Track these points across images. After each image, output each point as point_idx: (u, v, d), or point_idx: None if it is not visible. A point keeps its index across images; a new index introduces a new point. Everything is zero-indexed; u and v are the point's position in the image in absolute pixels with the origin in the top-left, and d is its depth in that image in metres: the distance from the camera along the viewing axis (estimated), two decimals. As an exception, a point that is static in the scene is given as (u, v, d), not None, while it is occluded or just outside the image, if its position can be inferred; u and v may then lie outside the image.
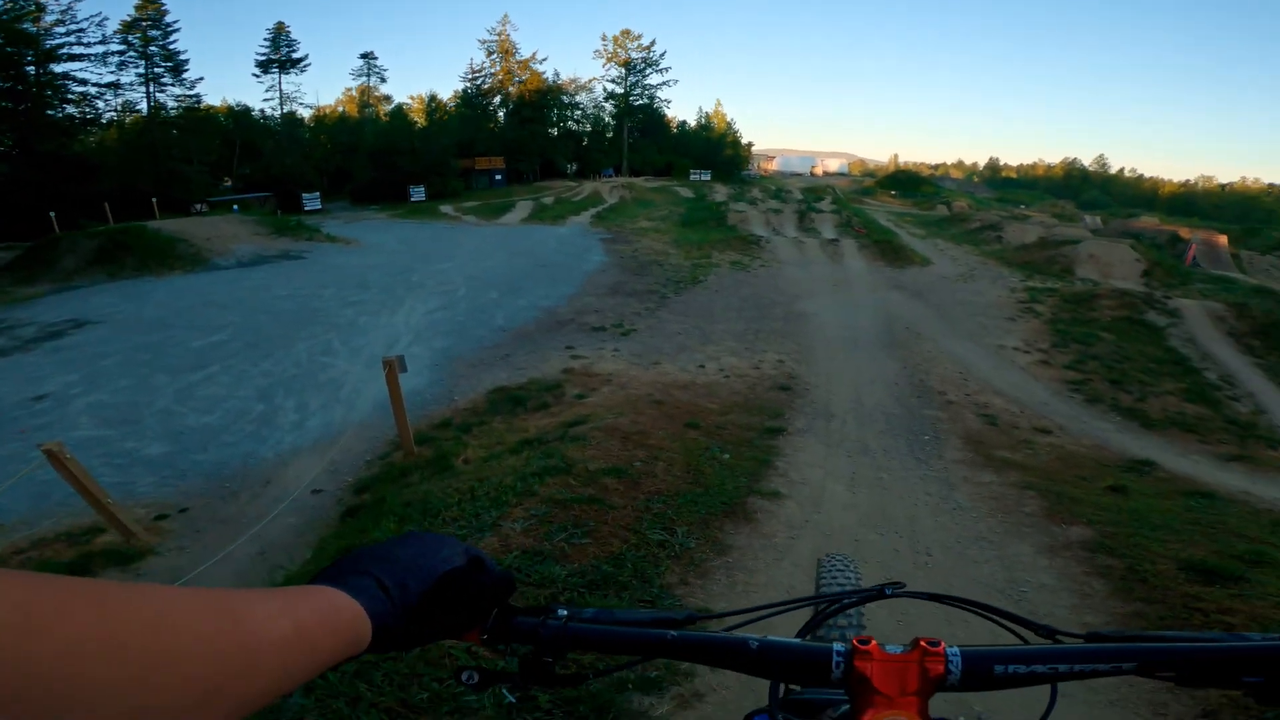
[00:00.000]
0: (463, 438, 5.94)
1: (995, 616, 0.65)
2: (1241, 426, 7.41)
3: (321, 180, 41.17)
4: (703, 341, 9.41)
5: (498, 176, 46.80)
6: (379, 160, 39.14)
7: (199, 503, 5.27)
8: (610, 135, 58.84)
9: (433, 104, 49.12)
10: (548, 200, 34.86)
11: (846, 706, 0.58)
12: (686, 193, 39.82)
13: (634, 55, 58.48)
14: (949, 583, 3.41)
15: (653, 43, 60.72)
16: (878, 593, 0.66)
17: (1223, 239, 22.93)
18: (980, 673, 0.55)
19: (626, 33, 58.21)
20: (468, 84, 54.42)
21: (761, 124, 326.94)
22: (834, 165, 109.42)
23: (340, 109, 53.09)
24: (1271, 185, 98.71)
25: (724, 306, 11.84)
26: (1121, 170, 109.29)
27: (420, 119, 47.97)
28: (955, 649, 0.55)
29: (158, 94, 35.20)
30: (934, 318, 11.45)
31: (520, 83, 53.41)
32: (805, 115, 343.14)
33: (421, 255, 18.27)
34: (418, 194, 37.83)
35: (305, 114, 47.09)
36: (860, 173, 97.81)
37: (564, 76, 57.51)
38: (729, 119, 65.43)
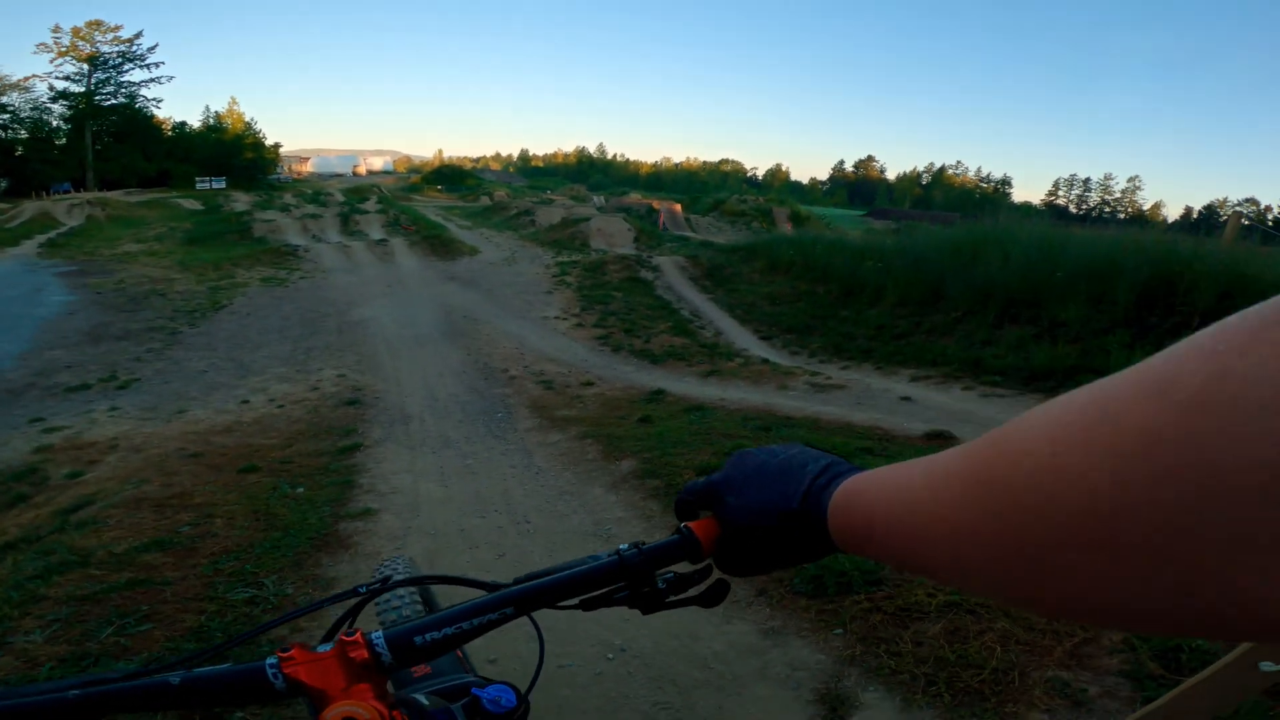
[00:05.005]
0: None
1: (456, 584, 0.68)
2: (709, 348, 9.89)
3: None
4: (241, 374, 8.05)
5: None
6: None
7: None
8: (64, 142, 45.66)
9: None
10: (-49, 228, 24.33)
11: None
12: (192, 204, 32.96)
13: (105, 49, 47.17)
14: (550, 541, 3.67)
15: (138, 35, 49.14)
16: (352, 592, 0.65)
17: (678, 207, 30.60)
18: (406, 648, 0.56)
19: (96, 23, 46.45)
20: None
21: (294, 123, 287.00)
22: (379, 163, 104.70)
23: None
24: (705, 162, 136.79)
25: (261, 329, 10.32)
26: (615, 156, 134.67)
27: None
28: (379, 634, 0.56)
29: None
30: (487, 302, 12.26)
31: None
32: (347, 113, 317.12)
33: None
34: None
35: None
36: (407, 169, 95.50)
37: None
38: (248, 118, 56.93)
